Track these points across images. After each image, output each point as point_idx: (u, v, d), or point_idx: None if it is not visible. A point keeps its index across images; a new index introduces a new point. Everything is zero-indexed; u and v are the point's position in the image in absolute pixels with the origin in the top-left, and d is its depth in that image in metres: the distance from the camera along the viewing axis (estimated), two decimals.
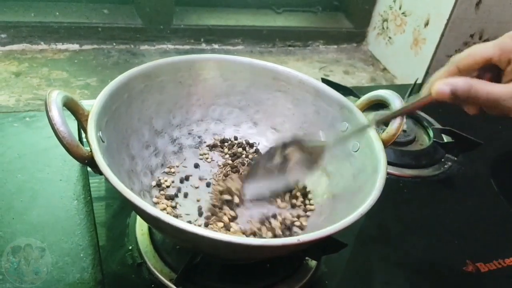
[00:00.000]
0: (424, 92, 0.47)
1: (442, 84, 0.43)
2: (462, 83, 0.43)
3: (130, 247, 0.54)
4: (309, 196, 0.60)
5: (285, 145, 0.57)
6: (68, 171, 0.64)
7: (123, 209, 0.58)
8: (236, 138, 0.66)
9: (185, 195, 0.58)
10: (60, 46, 0.92)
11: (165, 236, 0.52)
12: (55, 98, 0.42)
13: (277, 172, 0.57)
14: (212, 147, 0.65)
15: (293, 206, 0.59)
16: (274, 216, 0.56)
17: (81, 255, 0.54)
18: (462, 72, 0.45)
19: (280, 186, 0.58)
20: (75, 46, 0.93)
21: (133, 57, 0.95)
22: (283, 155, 0.57)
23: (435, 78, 0.46)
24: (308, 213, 0.58)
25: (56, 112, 0.41)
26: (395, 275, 0.59)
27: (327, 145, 0.56)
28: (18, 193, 0.60)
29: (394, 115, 0.52)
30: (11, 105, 0.76)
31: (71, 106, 0.45)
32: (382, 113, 0.53)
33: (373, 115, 0.55)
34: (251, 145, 0.66)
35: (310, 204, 0.59)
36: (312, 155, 0.56)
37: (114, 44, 0.96)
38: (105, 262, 0.52)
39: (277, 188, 0.58)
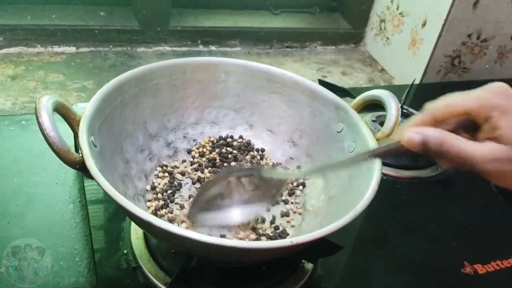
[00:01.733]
0: (396, 137, 0.44)
1: (413, 133, 0.40)
2: (435, 135, 0.39)
3: (125, 251, 0.53)
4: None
5: (238, 175, 0.52)
6: (64, 175, 0.64)
7: (118, 212, 0.58)
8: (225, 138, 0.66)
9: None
10: (56, 49, 0.92)
11: (159, 240, 0.52)
12: (45, 103, 0.41)
13: (229, 202, 0.52)
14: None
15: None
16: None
17: (77, 259, 0.54)
18: (438, 122, 0.41)
19: (233, 218, 0.53)
20: (72, 49, 0.93)
21: (130, 60, 0.95)
22: (237, 185, 0.52)
23: (409, 125, 0.43)
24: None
25: (46, 117, 0.41)
26: (392, 277, 0.58)
27: (286, 178, 0.54)
28: (14, 197, 0.59)
29: (363, 157, 0.48)
30: (7, 109, 0.76)
31: (62, 111, 0.45)
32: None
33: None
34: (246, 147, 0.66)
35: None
36: (270, 187, 0.52)
37: (111, 46, 0.96)
38: (100, 266, 0.52)
39: (230, 220, 0.53)
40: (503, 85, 0.39)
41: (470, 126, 0.40)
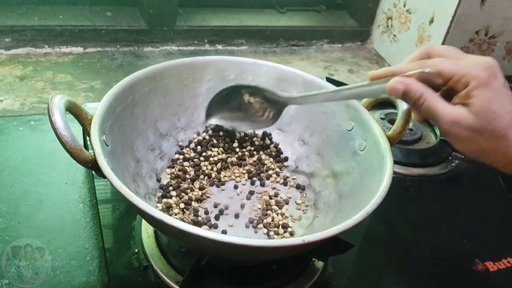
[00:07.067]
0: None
1: (398, 82, 0.44)
2: (417, 88, 0.43)
3: (136, 250, 0.54)
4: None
5: (246, 90, 0.58)
6: (74, 174, 0.64)
7: (129, 211, 0.58)
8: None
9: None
10: (64, 49, 0.92)
11: (170, 238, 0.52)
12: (58, 102, 0.42)
13: (236, 112, 0.60)
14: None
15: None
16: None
17: (88, 258, 0.54)
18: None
19: (240, 125, 0.62)
20: (79, 49, 0.93)
21: (137, 59, 0.95)
22: (244, 98, 0.59)
23: (407, 60, 0.47)
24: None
25: (58, 116, 0.41)
26: (403, 275, 0.58)
27: (288, 101, 0.57)
28: (24, 197, 0.60)
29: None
30: (16, 109, 0.76)
31: (74, 110, 0.45)
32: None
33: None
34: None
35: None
36: (271, 109, 0.58)
37: (118, 46, 0.96)
38: (111, 265, 0.52)
39: (237, 124, 0.62)
40: (492, 62, 0.42)
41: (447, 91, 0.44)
